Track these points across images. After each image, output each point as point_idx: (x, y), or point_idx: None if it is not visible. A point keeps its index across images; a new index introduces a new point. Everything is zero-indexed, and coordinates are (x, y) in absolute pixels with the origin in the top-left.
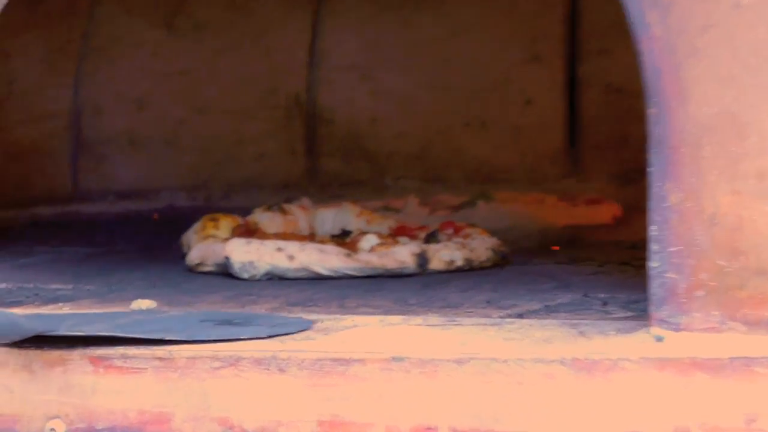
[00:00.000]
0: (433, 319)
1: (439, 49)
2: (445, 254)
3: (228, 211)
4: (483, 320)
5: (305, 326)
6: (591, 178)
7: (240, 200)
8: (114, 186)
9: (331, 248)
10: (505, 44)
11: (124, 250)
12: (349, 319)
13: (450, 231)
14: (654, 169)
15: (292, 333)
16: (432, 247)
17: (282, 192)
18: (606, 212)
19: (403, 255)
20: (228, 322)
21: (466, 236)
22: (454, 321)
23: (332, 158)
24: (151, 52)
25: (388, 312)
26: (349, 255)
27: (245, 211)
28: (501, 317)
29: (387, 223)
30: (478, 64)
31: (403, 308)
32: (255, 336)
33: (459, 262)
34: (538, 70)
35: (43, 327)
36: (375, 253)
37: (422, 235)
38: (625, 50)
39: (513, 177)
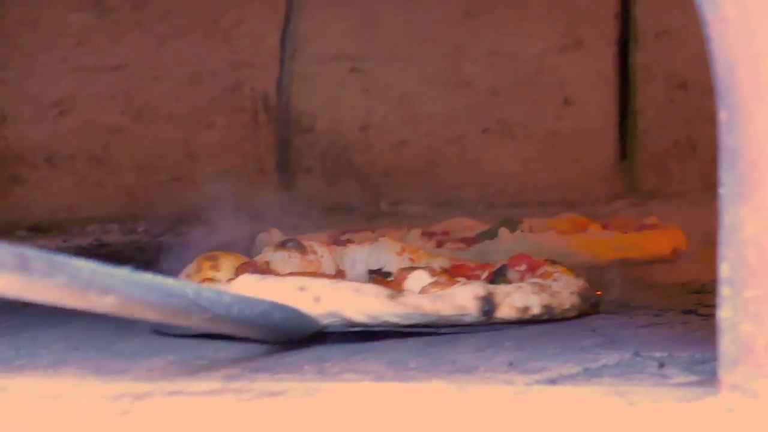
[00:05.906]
0: (439, 386)
1: (450, 34)
2: (517, 298)
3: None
4: (503, 388)
5: None
6: (648, 199)
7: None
8: (26, 217)
9: (370, 288)
10: (536, 26)
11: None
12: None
13: (523, 267)
14: (725, 190)
15: None
16: (501, 290)
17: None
18: (665, 243)
19: (463, 298)
20: None
21: (545, 276)
22: (465, 389)
23: (311, 177)
24: (75, 40)
25: (379, 378)
26: (392, 296)
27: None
28: (527, 384)
29: (438, 263)
30: (501, 52)
31: (401, 373)
32: None
33: (535, 310)
34: (580, 59)
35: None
36: (427, 294)
37: (484, 275)
38: (692, 32)
39: (547, 198)
